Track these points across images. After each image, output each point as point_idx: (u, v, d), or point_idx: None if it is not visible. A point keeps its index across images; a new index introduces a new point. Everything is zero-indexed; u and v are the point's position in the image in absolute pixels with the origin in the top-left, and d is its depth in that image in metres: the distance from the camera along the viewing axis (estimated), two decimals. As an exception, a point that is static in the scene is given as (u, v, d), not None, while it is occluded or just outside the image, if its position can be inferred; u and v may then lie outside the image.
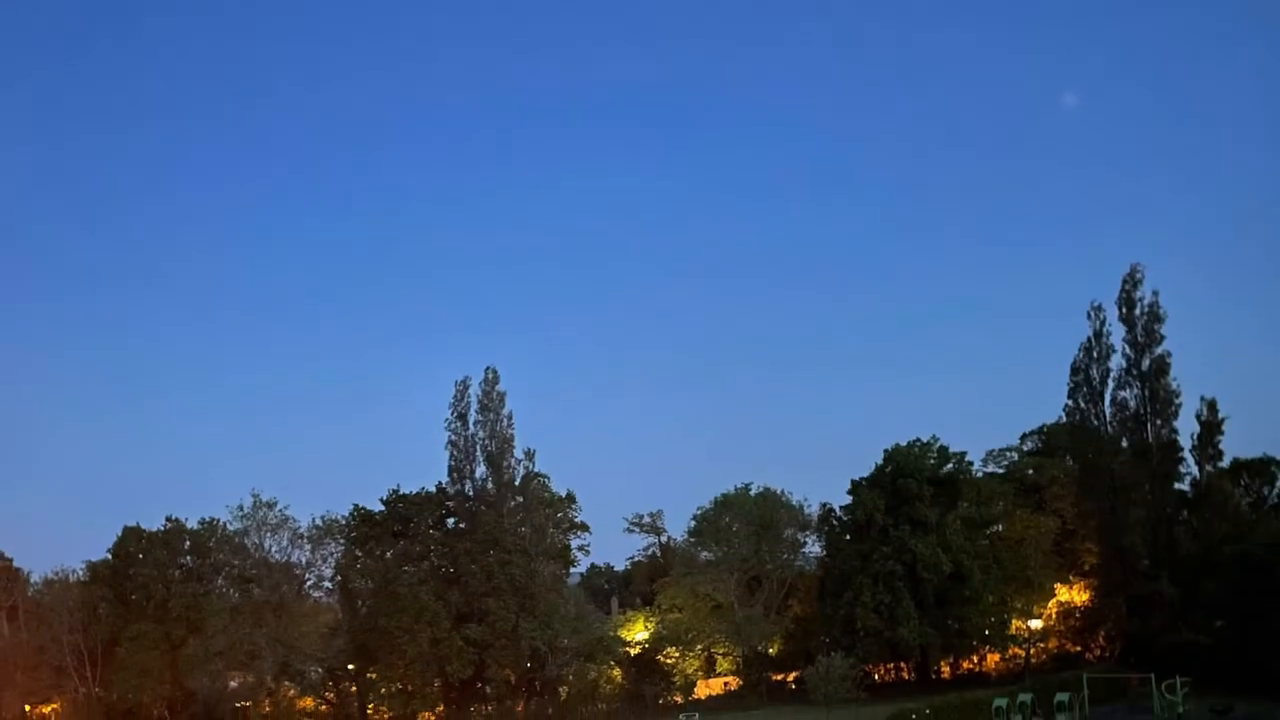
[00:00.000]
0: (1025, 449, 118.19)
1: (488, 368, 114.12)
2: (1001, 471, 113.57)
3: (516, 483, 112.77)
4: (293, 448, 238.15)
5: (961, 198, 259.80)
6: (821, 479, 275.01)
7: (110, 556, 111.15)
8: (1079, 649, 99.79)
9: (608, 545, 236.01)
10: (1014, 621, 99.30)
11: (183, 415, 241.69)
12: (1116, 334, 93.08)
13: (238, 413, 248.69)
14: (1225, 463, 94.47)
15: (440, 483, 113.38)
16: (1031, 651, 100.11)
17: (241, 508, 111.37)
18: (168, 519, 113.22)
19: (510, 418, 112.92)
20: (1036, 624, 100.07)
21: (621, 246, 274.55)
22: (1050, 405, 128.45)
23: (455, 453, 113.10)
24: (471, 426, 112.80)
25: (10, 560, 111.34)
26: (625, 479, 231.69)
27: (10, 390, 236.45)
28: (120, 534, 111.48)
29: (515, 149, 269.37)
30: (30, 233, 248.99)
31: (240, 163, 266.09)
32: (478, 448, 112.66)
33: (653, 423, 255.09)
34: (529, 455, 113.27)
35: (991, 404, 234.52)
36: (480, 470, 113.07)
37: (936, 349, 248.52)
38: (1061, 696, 63.91)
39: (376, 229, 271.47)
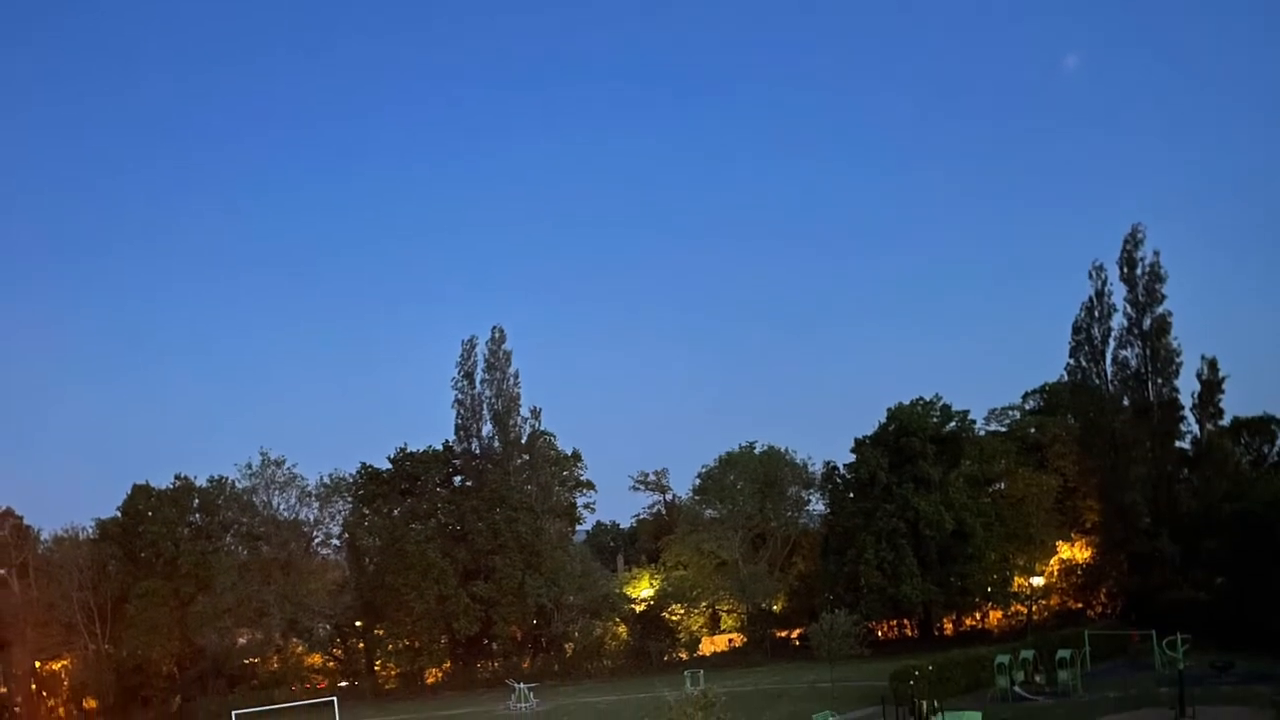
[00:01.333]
0: (1027, 407, 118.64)
1: (494, 327, 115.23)
2: (1004, 430, 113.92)
3: (523, 441, 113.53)
4: (301, 407, 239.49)
5: (964, 159, 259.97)
6: (825, 437, 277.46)
7: (119, 514, 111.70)
8: (1080, 606, 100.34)
9: (613, 503, 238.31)
10: (1016, 579, 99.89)
11: (191, 375, 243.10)
12: (1118, 294, 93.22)
13: (245, 372, 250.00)
14: (1226, 421, 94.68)
15: (447, 441, 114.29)
16: (1033, 608, 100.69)
17: (250, 466, 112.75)
18: (177, 477, 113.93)
19: (516, 376, 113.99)
20: (1038, 581, 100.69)
21: (625, 208, 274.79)
22: (1052, 364, 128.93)
23: (462, 411, 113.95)
24: (478, 385, 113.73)
25: (20, 518, 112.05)
26: (631, 437, 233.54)
27: (19, 352, 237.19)
28: (129, 492, 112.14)
29: (517, 111, 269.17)
30: (35, 196, 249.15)
31: (245, 125, 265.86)
32: (484, 406, 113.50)
33: (658, 382, 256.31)
34: (535, 414, 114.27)
35: (994, 363, 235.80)
36: (487, 428, 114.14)
37: (939, 309, 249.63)
38: (1063, 653, 64.48)
39: (381, 191, 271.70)
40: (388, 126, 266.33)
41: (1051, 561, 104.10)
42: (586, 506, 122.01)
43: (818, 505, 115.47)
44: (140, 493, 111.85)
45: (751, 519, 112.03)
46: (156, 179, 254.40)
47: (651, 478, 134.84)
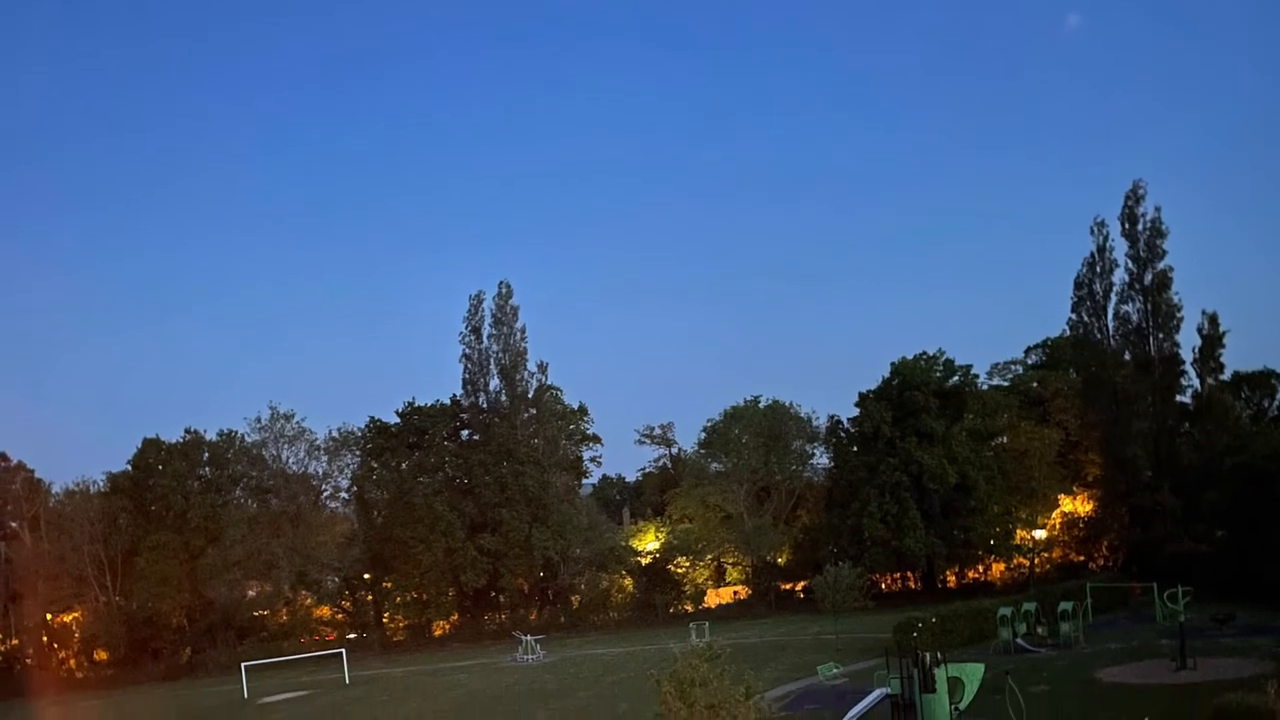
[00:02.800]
0: (1029, 362, 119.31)
1: (501, 281, 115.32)
2: (1006, 384, 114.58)
3: (529, 395, 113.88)
4: (310, 361, 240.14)
5: (968, 115, 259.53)
6: (829, 392, 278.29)
7: (130, 468, 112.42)
8: (1082, 558, 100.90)
9: (619, 457, 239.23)
10: (1018, 532, 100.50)
11: (202, 329, 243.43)
12: (1119, 249, 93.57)
13: (256, 326, 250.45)
14: (1226, 376, 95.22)
15: (454, 395, 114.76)
16: (1035, 561, 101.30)
17: (259, 419, 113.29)
18: (186, 431, 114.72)
19: (523, 331, 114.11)
20: (1040, 534, 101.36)
21: (631, 163, 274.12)
22: (1054, 319, 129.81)
23: (469, 365, 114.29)
24: (485, 340, 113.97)
25: (32, 471, 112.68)
26: (636, 392, 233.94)
27: (32, 305, 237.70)
28: (140, 445, 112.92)
29: (525, 66, 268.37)
30: (49, 149, 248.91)
31: (259, 79, 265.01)
32: (491, 361, 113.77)
33: (663, 336, 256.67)
34: (542, 368, 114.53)
35: (996, 318, 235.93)
36: (494, 383, 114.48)
37: (941, 263, 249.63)
38: (1065, 605, 65.23)
39: (391, 147, 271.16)
40: (399, 81, 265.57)
41: (1053, 515, 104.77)
42: (593, 460, 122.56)
43: (822, 459, 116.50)
44: (150, 446, 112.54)
45: (756, 472, 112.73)
46: (170, 133, 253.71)
47: (657, 431, 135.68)
